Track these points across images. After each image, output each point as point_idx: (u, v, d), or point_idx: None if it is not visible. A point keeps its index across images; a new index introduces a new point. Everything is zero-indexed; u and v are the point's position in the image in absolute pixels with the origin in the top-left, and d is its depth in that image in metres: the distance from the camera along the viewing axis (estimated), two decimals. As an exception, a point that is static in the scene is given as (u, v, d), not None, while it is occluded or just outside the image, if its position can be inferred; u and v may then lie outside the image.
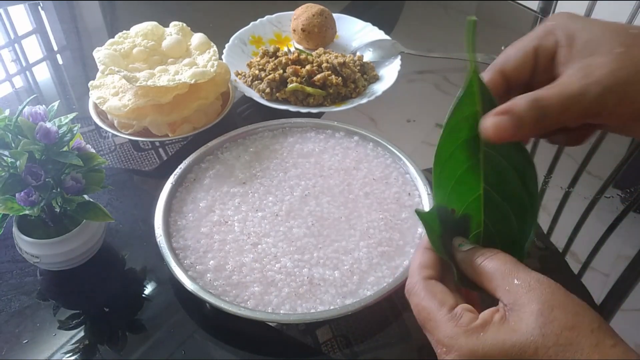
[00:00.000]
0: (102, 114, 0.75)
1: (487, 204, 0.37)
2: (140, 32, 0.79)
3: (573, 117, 0.34)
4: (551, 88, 0.34)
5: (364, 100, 0.78)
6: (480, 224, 0.37)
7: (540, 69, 0.38)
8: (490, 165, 0.36)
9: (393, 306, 0.56)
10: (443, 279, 0.37)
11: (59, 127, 0.52)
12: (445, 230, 0.38)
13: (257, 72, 0.80)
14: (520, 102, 0.34)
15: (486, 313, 0.33)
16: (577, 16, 0.38)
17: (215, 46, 0.78)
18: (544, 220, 0.66)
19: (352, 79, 0.79)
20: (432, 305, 0.35)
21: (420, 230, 0.59)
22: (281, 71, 0.79)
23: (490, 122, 0.34)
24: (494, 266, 0.34)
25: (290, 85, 0.77)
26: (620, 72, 0.34)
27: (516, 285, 0.33)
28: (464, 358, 0.32)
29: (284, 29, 0.93)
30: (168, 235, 0.58)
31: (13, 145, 0.51)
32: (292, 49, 0.89)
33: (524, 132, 0.34)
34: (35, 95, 0.59)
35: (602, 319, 0.31)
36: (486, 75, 0.38)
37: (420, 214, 0.37)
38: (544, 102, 0.34)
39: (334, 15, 0.91)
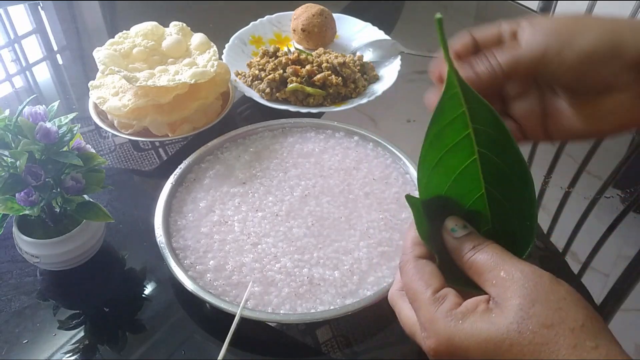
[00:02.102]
0: (102, 114, 0.75)
1: (490, 202, 0.37)
2: (140, 32, 0.79)
3: (527, 71, 0.37)
4: (502, 52, 0.38)
5: (364, 100, 0.78)
6: (489, 221, 0.37)
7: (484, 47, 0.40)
8: (487, 165, 0.35)
9: (393, 306, 0.56)
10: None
11: (59, 127, 0.52)
12: (434, 220, 0.37)
13: (257, 72, 0.80)
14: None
15: (471, 301, 0.33)
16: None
17: (215, 46, 0.78)
18: (544, 220, 0.66)
19: (352, 79, 0.79)
20: (418, 286, 0.34)
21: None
22: (281, 71, 0.79)
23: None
24: (482, 259, 0.34)
25: (290, 85, 0.77)
26: (561, 21, 0.37)
27: (502, 278, 0.32)
28: (440, 344, 0.32)
29: (284, 29, 0.93)
30: (168, 235, 0.58)
31: (13, 145, 0.51)
32: (292, 49, 0.89)
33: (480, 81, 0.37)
34: (35, 95, 0.59)
35: (589, 315, 0.30)
36: (459, 37, 0.40)
37: (410, 199, 0.36)
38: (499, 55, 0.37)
39: (334, 15, 0.91)
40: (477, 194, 0.36)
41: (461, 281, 0.36)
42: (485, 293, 0.33)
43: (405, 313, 0.37)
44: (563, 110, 0.39)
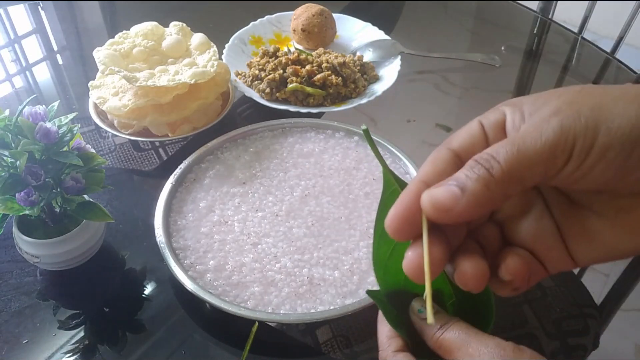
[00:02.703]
0: (102, 114, 0.75)
1: (450, 279, 0.35)
2: (140, 32, 0.79)
3: (534, 174, 0.27)
4: (496, 146, 0.28)
5: (364, 100, 0.78)
6: (452, 295, 0.37)
7: (492, 142, 0.31)
8: None
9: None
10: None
11: (59, 127, 0.52)
12: (401, 305, 0.37)
13: (257, 72, 0.80)
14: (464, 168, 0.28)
15: None
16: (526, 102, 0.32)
17: (215, 46, 0.78)
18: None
19: (352, 79, 0.79)
20: None
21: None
22: (281, 71, 0.79)
23: (426, 195, 0.28)
24: (450, 337, 0.33)
25: (290, 85, 0.77)
26: (581, 101, 0.27)
27: (470, 354, 0.31)
28: None
29: (284, 29, 0.93)
30: (168, 235, 0.58)
31: (13, 145, 0.51)
32: (292, 49, 0.89)
33: (468, 202, 0.27)
34: (35, 95, 0.59)
35: None
36: (435, 152, 0.32)
37: (371, 293, 0.36)
38: (497, 157, 0.27)
39: (334, 15, 0.91)
40: (439, 280, 0.36)
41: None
42: None
43: None
44: (591, 225, 0.30)
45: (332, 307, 0.52)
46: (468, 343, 0.32)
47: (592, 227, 0.30)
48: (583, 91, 0.28)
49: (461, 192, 0.28)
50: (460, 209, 0.28)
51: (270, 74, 0.79)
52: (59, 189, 0.53)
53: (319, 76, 0.78)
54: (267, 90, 0.78)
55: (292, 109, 0.76)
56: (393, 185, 0.33)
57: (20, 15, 1.06)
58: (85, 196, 0.57)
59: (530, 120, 0.29)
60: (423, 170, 0.31)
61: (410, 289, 0.37)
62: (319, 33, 0.88)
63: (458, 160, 0.31)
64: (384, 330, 0.36)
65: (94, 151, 0.56)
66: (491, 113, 0.32)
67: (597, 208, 0.30)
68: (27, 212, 0.52)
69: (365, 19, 0.93)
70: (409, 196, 0.30)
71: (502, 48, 0.96)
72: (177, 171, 0.64)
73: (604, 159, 0.26)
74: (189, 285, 0.53)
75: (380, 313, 0.37)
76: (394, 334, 0.36)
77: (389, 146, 0.67)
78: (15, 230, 0.56)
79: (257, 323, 0.51)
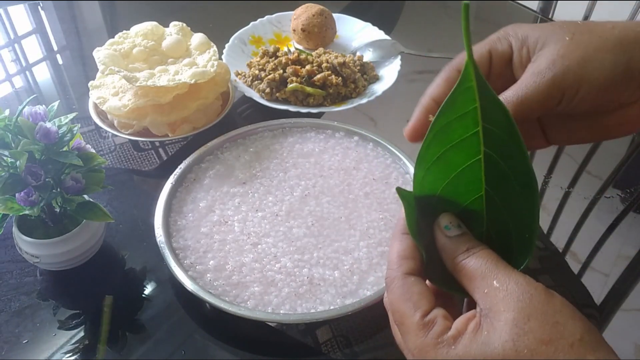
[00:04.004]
0: (102, 114, 0.75)
1: (489, 205, 0.34)
2: (140, 32, 0.79)
3: (534, 112, 0.35)
4: (506, 91, 0.36)
5: (364, 100, 0.78)
6: (483, 224, 0.35)
7: (495, 72, 0.38)
8: (491, 167, 0.33)
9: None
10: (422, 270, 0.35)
11: (59, 127, 0.52)
12: (426, 216, 0.35)
13: (257, 72, 0.80)
14: None
15: (460, 321, 0.31)
16: (526, 24, 0.39)
17: (215, 46, 0.78)
18: (544, 220, 0.66)
19: (352, 79, 0.79)
20: (406, 308, 0.32)
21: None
22: (281, 71, 0.79)
23: None
24: (475, 264, 0.32)
25: (290, 85, 0.77)
26: (570, 55, 0.35)
27: (494, 288, 0.30)
28: None
29: (284, 29, 0.93)
30: (168, 235, 0.58)
31: (13, 145, 0.51)
32: (292, 49, 0.89)
33: None
34: (35, 95, 0.59)
35: (586, 327, 0.29)
36: (441, 78, 0.38)
37: (402, 192, 0.34)
38: (506, 101, 0.35)
39: (334, 15, 0.91)
40: (476, 194, 0.34)
41: (447, 283, 0.34)
42: (470, 297, 0.32)
43: (401, 301, 0.34)
44: (568, 127, 0.38)
45: (332, 307, 0.52)
46: (495, 274, 0.31)
47: (568, 128, 0.39)
48: (574, 39, 0.36)
49: None
50: None
51: (270, 74, 0.79)
52: (59, 189, 0.53)
53: (319, 76, 0.78)
54: (267, 90, 0.78)
55: (292, 109, 0.76)
56: (471, 81, 0.31)
57: (20, 15, 1.06)
58: (85, 196, 0.57)
59: (531, 67, 0.36)
60: (434, 87, 0.38)
61: (444, 204, 0.35)
62: (319, 33, 0.88)
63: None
64: (398, 248, 0.34)
65: (94, 151, 0.56)
66: (499, 43, 0.38)
67: (577, 119, 0.38)
68: (27, 212, 0.52)
69: (365, 19, 0.93)
70: (421, 112, 0.38)
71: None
72: (177, 171, 0.64)
73: (584, 101, 0.35)
74: (189, 285, 0.53)
75: (398, 226, 0.35)
76: (408, 255, 0.34)
77: (389, 146, 0.67)
78: (15, 230, 0.56)
79: (110, 297, 0.50)
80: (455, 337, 0.30)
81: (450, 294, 0.35)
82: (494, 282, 0.30)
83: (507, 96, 0.36)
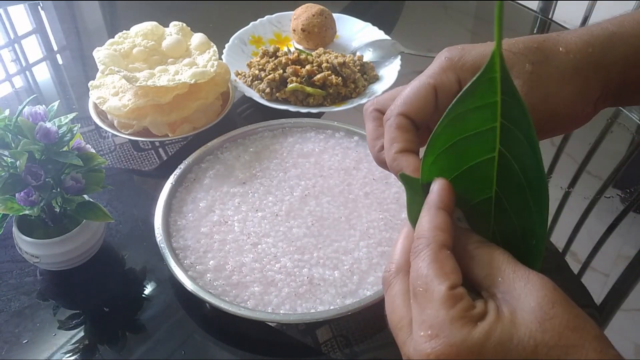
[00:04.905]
0: (102, 114, 0.75)
1: (497, 209, 0.32)
2: (140, 32, 0.79)
3: None
4: None
5: (364, 100, 0.78)
6: (489, 228, 0.33)
7: (443, 107, 0.34)
8: (504, 168, 0.31)
9: (393, 306, 0.56)
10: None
11: (59, 127, 0.52)
12: None
13: (257, 72, 0.80)
14: None
15: (480, 302, 0.29)
16: (470, 46, 0.37)
17: (215, 46, 0.78)
18: (544, 220, 0.66)
19: (352, 79, 0.79)
20: (435, 275, 0.29)
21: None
22: (281, 71, 0.79)
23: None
24: (490, 253, 0.31)
25: (290, 85, 0.77)
26: (533, 94, 0.35)
27: (513, 276, 0.29)
28: (451, 349, 0.28)
29: (284, 29, 0.93)
30: (168, 235, 0.58)
31: (13, 145, 0.51)
32: (292, 49, 0.89)
33: None
34: (35, 95, 0.59)
35: (600, 329, 0.28)
36: (392, 120, 0.36)
37: (405, 177, 0.33)
38: None
39: (334, 15, 0.91)
40: (485, 195, 0.33)
41: None
42: (478, 289, 0.31)
43: (402, 300, 0.32)
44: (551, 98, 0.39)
45: (332, 307, 0.52)
46: (512, 266, 0.30)
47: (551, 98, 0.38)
48: (534, 72, 0.36)
49: None
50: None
51: (270, 74, 0.79)
52: (59, 189, 0.53)
53: (319, 76, 0.78)
54: (267, 90, 0.78)
55: (292, 109, 0.76)
56: (495, 72, 0.29)
57: (20, 15, 1.06)
58: (85, 196, 0.57)
59: None
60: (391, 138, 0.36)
61: (458, 192, 0.33)
62: (319, 33, 0.88)
63: (413, 123, 0.37)
64: (434, 221, 0.31)
65: (94, 151, 0.56)
66: (444, 75, 0.37)
67: None
68: (27, 212, 0.52)
69: (365, 19, 0.93)
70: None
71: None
72: (177, 171, 0.64)
73: (548, 133, 0.38)
74: (189, 285, 0.53)
75: (432, 200, 0.32)
76: (445, 228, 0.31)
77: (389, 146, 0.67)
78: (15, 230, 0.56)
79: None
80: (481, 315, 0.29)
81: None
82: (512, 272, 0.29)
83: None
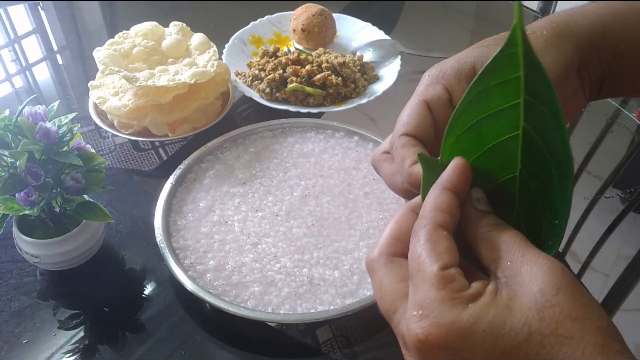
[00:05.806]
0: (102, 114, 0.75)
1: (521, 189, 0.31)
2: (140, 32, 0.79)
3: None
4: None
5: (364, 100, 0.78)
6: (513, 210, 0.32)
7: (440, 118, 0.36)
8: (529, 145, 0.30)
9: (393, 306, 0.56)
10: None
11: (59, 127, 0.52)
12: None
13: (257, 72, 0.80)
14: None
15: (478, 283, 0.29)
16: (444, 60, 0.38)
17: (215, 46, 0.78)
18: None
19: (352, 79, 0.79)
20: (427, 255, 0.29)
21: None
22: (281, 71, 0.79)
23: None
24: (501, 235, 0.30)
25: (290, 85, 0.77)
26: None
27: (521, 260, 0.28)
28: (439, 329, 0.27)
29: (284, 29, 0.93)
30: (168, 235, 0.58)
31: (13, 145, 0.51)
32: (292, 49, 0.89)
33: None
34: (35, 95, 0.59)
35: (610, 320, 0.27)
36: (397, 143, 0.36)
37: (423, 157, 0.32)
38: None
39: (334, 15, 0.91)
40: (509, 174, 0.31)
41: (460, 251, 0.31)
42: (482, 271, 0.30)
43: (389, 283, 0.31)
44: None
45: (332, 307, 0.52)
46: (523, 249, 0.29)
47: None
48: None
49: None
50: None
51: (270, 74, 0.79)
52: (59, 189, 0.53)
53: (319, 76, 0.78)
54: (267, 90, 0.78)
55: (292, 109, 0.76)
56: (517, 46, 0.28)
57: (20, 15, 1.06)
58: (85, 196, 0.57)
59: None
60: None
61: (474, 177, 0.32)
62: (319, 33, 0.88)
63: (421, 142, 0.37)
64: (437, 200, 0.31)
65: (94, 151, 0.56)
66: (431, 89, 0.37)
67: None
68: (27, 212, 0.52)
69: (365, 19, 0.93)
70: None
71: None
72: (177, 171, 0.64)
73: None
74: (188, 285, 0.53)
75: (440, 180, 0.32)
76: (445, 209, 0.31)
77: (389, 146, 0.67)
78: (15, 230, 0.56)
79: None
80: (474, 297, 0.28)
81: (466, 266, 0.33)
82: (521, 255, 0.28)
83: None
